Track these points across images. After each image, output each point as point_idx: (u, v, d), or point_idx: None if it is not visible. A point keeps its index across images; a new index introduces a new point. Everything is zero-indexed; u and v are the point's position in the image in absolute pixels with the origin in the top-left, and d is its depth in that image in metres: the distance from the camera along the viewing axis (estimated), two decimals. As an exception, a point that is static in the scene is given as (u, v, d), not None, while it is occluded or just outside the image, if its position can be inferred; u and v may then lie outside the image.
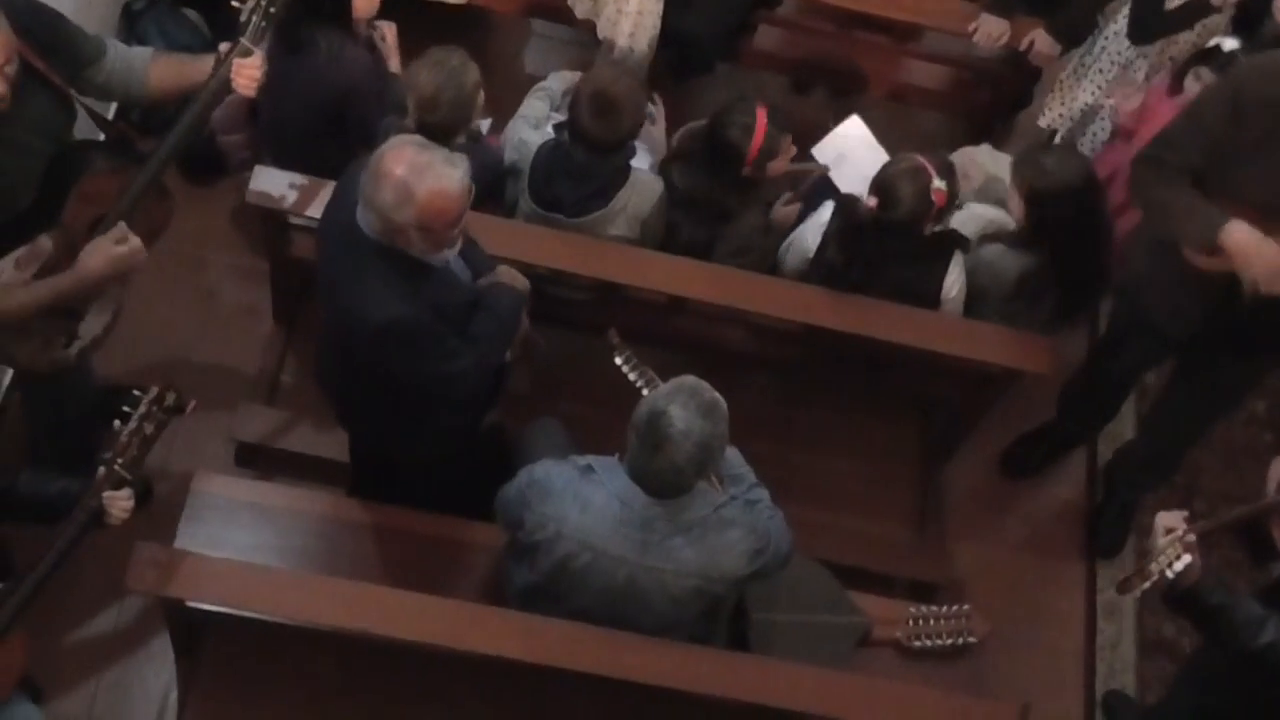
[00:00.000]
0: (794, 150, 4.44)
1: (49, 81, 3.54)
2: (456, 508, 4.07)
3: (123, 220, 3.59)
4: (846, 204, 4.34)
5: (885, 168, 4.25)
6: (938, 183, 4.16)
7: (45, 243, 3.57)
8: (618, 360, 3.84)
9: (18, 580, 3.33)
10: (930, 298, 4.35)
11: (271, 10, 3.69)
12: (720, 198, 4.38)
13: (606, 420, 4.10)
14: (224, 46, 3.70)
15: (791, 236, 4.52)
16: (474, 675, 3.84)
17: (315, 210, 4.09)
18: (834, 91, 5.62)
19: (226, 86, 3.70)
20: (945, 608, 4.06)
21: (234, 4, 3.69)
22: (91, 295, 3.71)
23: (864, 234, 4.28)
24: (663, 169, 4.47)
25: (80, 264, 3.56)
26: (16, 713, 3.48)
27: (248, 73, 3.68)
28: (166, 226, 3.88)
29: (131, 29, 4.95)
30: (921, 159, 4.21)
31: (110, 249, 3.56)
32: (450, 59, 4.08)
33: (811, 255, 4.38)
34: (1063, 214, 4.23)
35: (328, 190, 3.97)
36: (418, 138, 3.49)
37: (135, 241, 3.59)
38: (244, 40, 3.67)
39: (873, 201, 4.19)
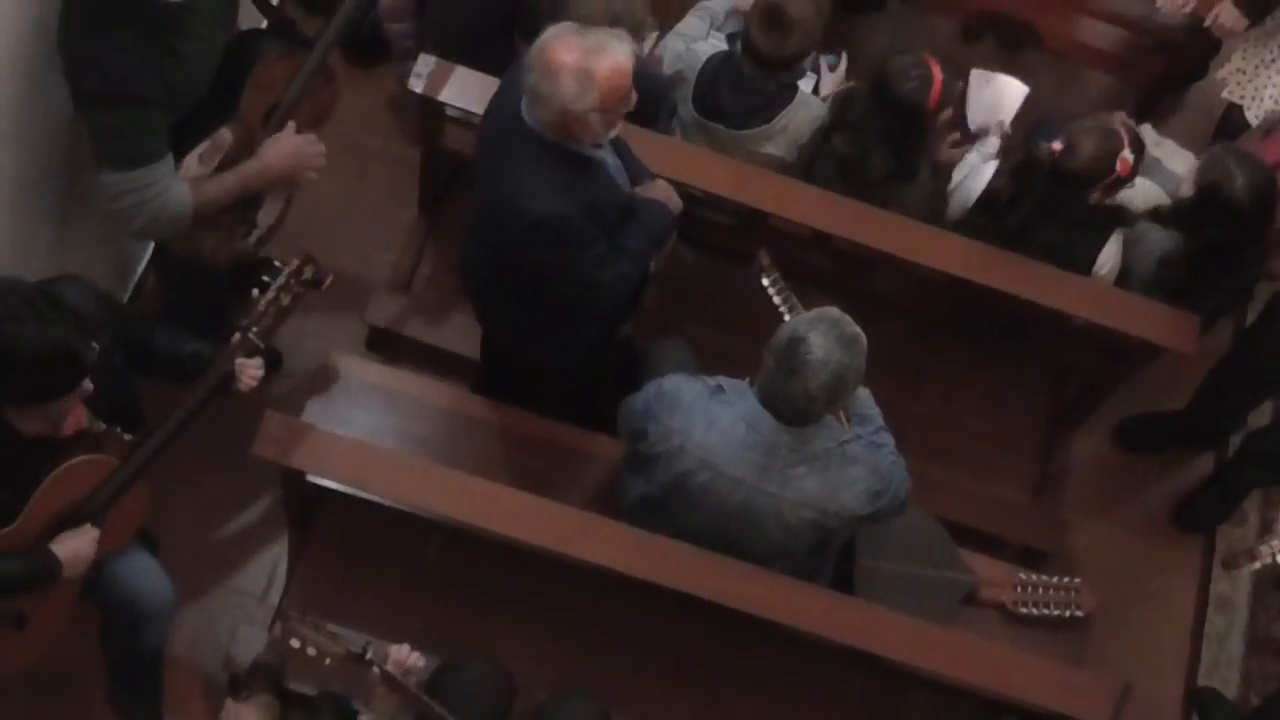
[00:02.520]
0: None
1: None
2: (577, 415, 4.08)
3: (293, 104, 3.62)
4: (1030, 142, 4.23)
5: (1082, 119, 4.15)
6: (1126, 153, 4.05)
7: (225, 135, 3.61)
8: (764, 281, 3.81)
9: (145, 434, 3.39)
10: (1080, 268, 4.24)
11: None
12: (900, 155, 4.27)
13: (734, 347, 4.10)
14: None
15: (957, 180, 4.42)
16: (568, 583, 3.87)
17: (472, 103, 4.08)
18: (1003, 43, 5.47)
19: None
20: (1055, 578, 4.00)
21: None
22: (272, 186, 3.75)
23: (1036, 176, 4.18)
24: (825, 137, 4.38)
25: (259, 157, 3.61)
26: (135, 560, 3.56)
27: None
28: (332, 110, 3.90)
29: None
30: (1120, 124, 4.11)
31: (289, 141, 3.63)
32: None
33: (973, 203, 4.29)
34: (1233, 221, 4.12)
35: (487, 85, 3.97)
36: (573, 24, 3.45)
37: (312, 137, 3.65)
38: None
39: (1057, 145, 4.08)
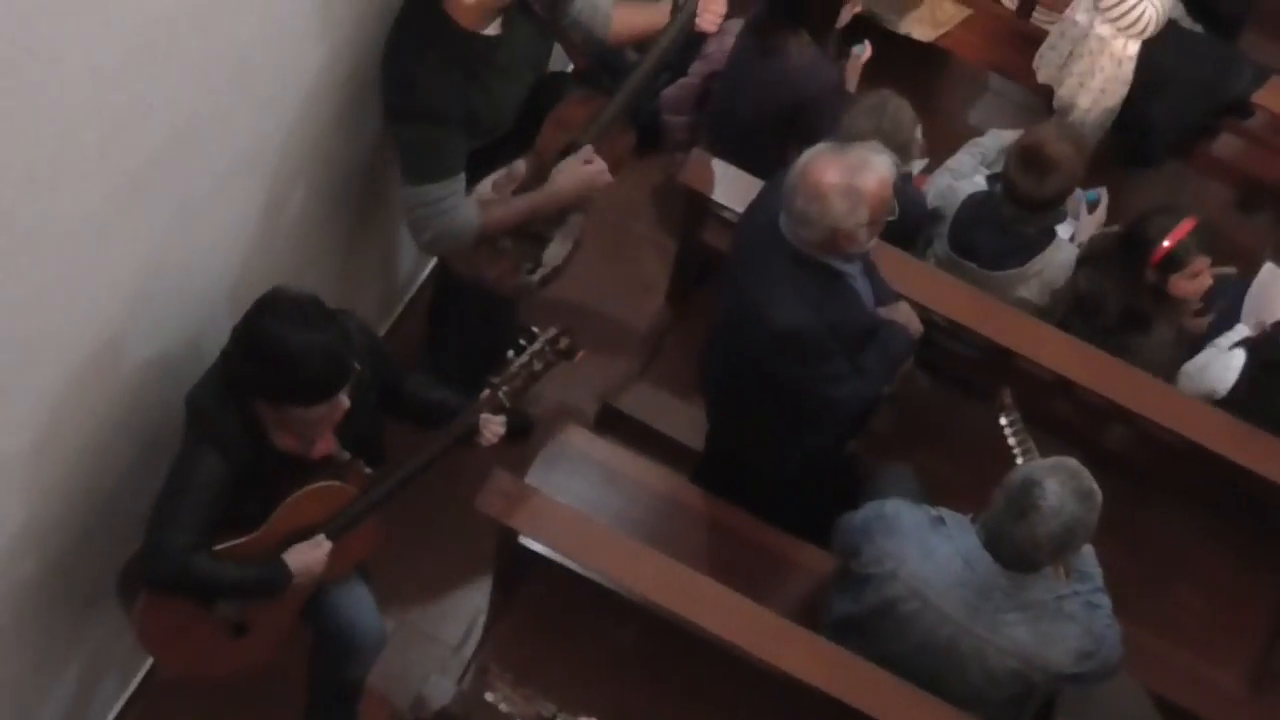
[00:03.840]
0: (1208, 279, 4.22)
1: (532, 13, 3.77)
2: (792, 524, 4.09)
3: (590, 145, 3.80)
4: (1261, 339, 4.14)
5: None
6: None
7: (520, 166, 3.83)
8: (1003, 420, 3.80)
9: (386, 471, 3.54)
10: None
11: None
12: (1129, 300, 4.23)
13: (960, 481, 4.08)
14: None
15: (1196, 363, 4.32)
16: (761, 688, 3.83)
17: (737, 201, 4.19)
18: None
19: (690, 24, 3.86)
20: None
21: None
22: (558, 219, 3.94)
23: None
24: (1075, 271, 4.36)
25: (551, 181, 3.80)
26: (356, 591, 3.71)
27: (714, 9, 3.85)
28: (628, 159, 4.08)
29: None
30: None
31: (579, 168, 3.81)
32: (887, 102, 4.16)
33: (1216, 393, 4.19)
34: None
35: (754, 186, 4.08)
36: (832, 144, 3.55)
37: (600, 164, 3.82)
38: None
39: None
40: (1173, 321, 4.32)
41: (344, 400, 3.23)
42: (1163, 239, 4.09)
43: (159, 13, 2.87)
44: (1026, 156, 4.08)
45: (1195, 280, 4.21)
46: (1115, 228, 4.47)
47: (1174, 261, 4.13)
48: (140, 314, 3.32)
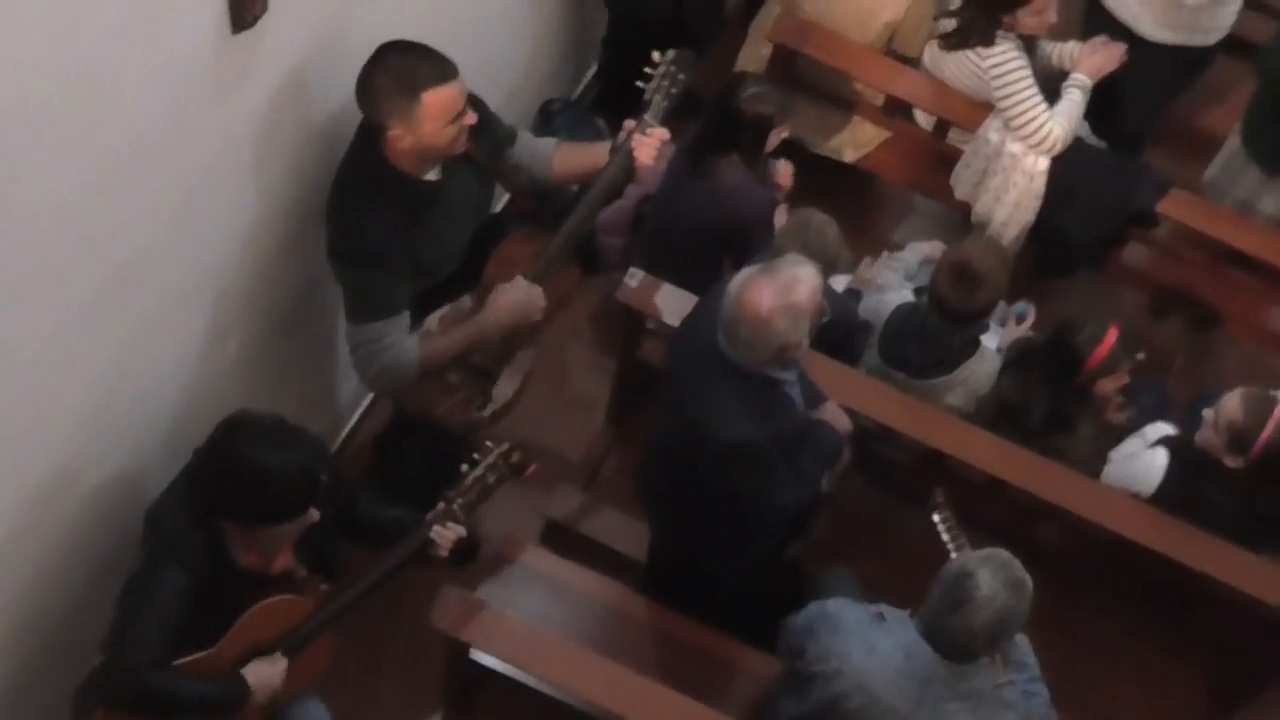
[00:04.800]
0: (1125, 376, 4.43)
1: (473, 159, 3.94)
2: (737, 630, 4.20)
3: (522, 275, 3.94)
4: (1179, 444, 4.36)
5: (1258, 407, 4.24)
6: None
7: (466, 302, 3.98)
8: (936, 518, 3.94)
9: (339, 589, 3.64)
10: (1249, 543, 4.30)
11: (673, 91, 4.00)
12: (1055, 404, 4.43)
13: (899, 583, 4.16)
14: (629, 124, 4.01)
15: (1122, 450, 4.52)
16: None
17: (674, 319, 4.33)
18: (1190, 322, 5.60)
19: (630, 160, 4.00)
20: None
21: (638, 84, 4.00)
22: (506, 356, 4.06)
23: (1206, 478, 4.29)
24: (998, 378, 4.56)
25: (487, 308, 3.93)
26: (312, 710, 3.77)
27: (650, 144, 3.98)
28: (573, 297, 4.23)
29: (545, 126, 5.39)
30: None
31: (515, 292, 3.91)
32: (810, 219, 4.35)
33: (1142, 494, 4.37)
34: None
35: (689, 303, 4.23)
36: (755, 266, 3.69)
37: (536, 290, 3.93)
38: (646, 118, 3.98)
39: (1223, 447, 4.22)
40: (1095, 419, 4.51)
41: (314, 513, 3.35)
42: (1092, 349, 4.29)
43: (127, 135, 3.03)
44: (956, 272, 4.25)
45: (1117, 379, 4.43)
46: (1031, 334, 4.68)
47: (1103, 368, 4.34)
48: (94, 436, 3.43)
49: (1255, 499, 4.31)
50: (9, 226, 2.83)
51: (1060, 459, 4.39)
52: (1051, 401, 4.41)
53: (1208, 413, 4.33)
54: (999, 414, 4.46)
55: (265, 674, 3.49)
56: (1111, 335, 4.31)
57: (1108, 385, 4.40)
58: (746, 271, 3.66)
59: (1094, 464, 4.49)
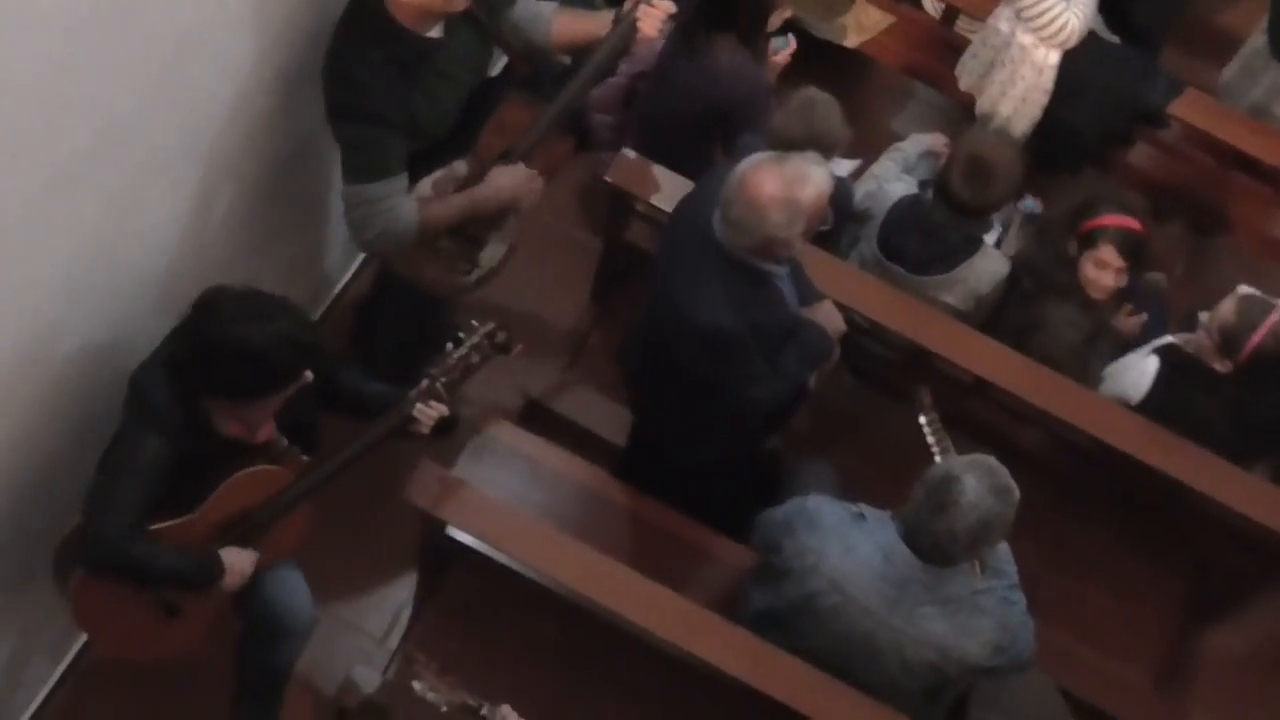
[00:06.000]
0: (1110, 279, 4.46)
1: (474, 18, 3.88)
2: (712, 518, 4.24)
3: (529, 149, 3.92)
4: (1169, 349, 4.39)
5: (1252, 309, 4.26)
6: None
7: (460, 167, 3.94)
8: (922, 419, 3.95)
9: (319, 461, 3.66)
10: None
11: None
12: (1049, 267, 4.47)
13: (879, 480, 4.22)
14: None
15: (1116, 365, 4.54)
16: (679, 679, 3.98)
17: (664, 202, 4.34)
18: (1193, 227, 5.60)
19: (633, 31, 3.96)
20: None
21: None
22: (495, 223, 4.05)
23: (1194, 385, 4.31)
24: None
25: (488, 182, 3.92)
26: (289, 578, 3.81)
27: (656, 15, 3.95)
28: (564, 165, 4.21)
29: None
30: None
31: (516, 171, 3.91)
32: (816, 100, 4.28)
33: (1130, 399, 4.40)
34: None
35: (680, 185, 4.23)
36: (769, 153, 3.67)
37: (537, 176, 3.94)
38: None
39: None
40: (1091, 310, 4.51)
41: (307, 375, 3.36)
42: (1099, 216, 4.31)
43: (89, 6, 2.95)
44: (970, 166, 4.23)
45: (1100, 270, 4.42)
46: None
47: (1089, 239, 4.37)
48: (71, 304, 3.40)
49: (1242, 408, 4.33)
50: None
51: (1040, 335, 4.41)
52: (1046, 264, 4.45)
53: (1203, 315, 4.34)
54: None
55: (237, 561, 3.53)
56: (1125, 220, 4.36)
57: (1089, 267, 4.43)
58: (758, 155, 3.64)
59: (1070, 356, 4.49)
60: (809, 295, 4.02)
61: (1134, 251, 4.44)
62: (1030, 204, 4.80)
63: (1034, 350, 4.44)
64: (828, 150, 4.22)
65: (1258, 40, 5.32)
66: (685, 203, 3.98)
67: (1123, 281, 4.46)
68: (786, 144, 4.03)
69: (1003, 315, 4.52)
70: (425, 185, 3.91)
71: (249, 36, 3.60)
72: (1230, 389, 4.31)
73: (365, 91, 3.70)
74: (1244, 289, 4.37)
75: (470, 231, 4.04)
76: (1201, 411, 4.32)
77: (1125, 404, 4.40)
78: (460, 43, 3.87)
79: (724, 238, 3.63)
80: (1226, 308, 4.27)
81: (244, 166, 3.89)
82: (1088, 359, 4.50)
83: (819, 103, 4.29)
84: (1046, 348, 4.44)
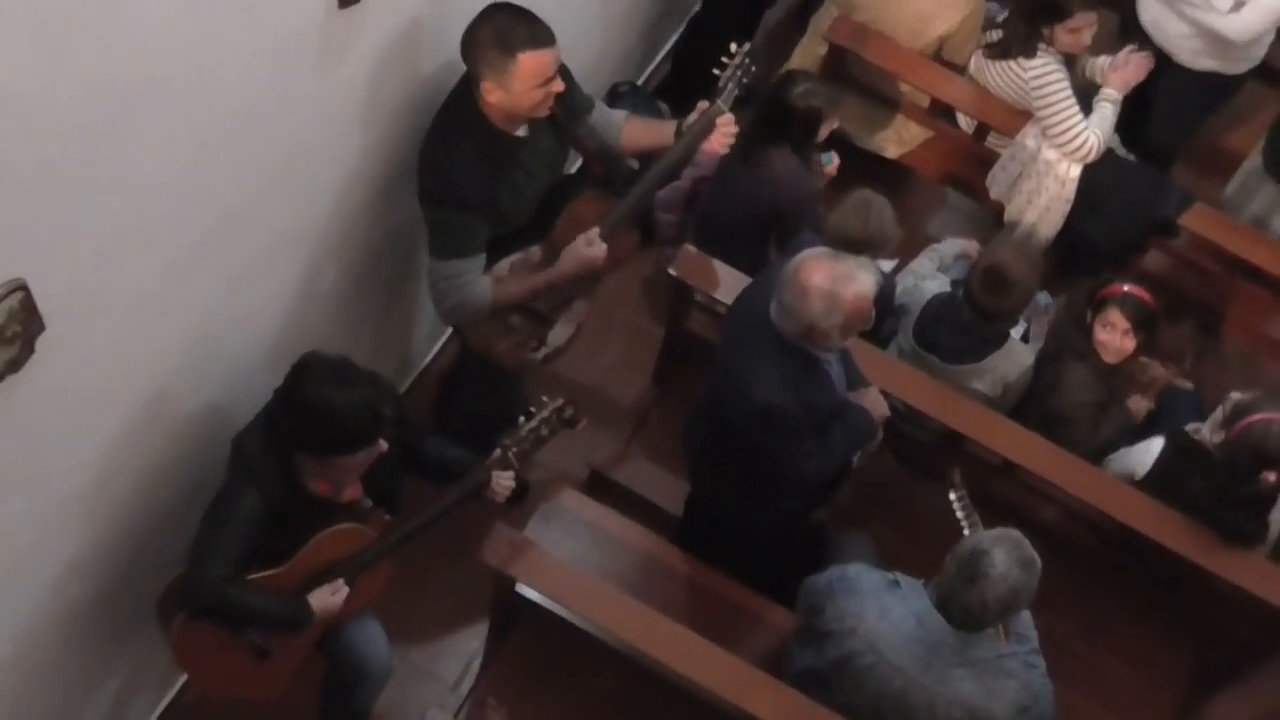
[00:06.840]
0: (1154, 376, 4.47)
1: (555, 121, 3.94)
2: (760, 583, 4.21)
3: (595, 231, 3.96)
4: (1175, 432, 4.34)
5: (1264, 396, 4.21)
6: None
7: (536, 251, 3.99)
8: (951, 496, 3.92)
9: (401, 521, 3.67)
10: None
11: (744, 81, 3.98)
12: (1071, 334, 4.46)
13: (912, 552, 4.20)
14: (702, 104, 4.00)
15: (1124, 451, 4.48)
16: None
17: (720, 294, 4.37)
18: (1201, 327, 5.54)
19: (699, 140, 4.00)
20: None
21: (714, 71, 3.98)
22: (564, 304, 4.09)
23: (1191, 466, 4.25)
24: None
25: (558, 262, 3.96)
26: (369, 627, 3.82)
27: (726, 129, 3.99)
28: (630, 258, 4.24)
29: (612, 105, 5.35)
30: None
31: (582, 249, 3.93)
32: (872, 201, 4.30)
33: (1135, 475, 4.35)
34: None
35: (736, 279, 4.24)
36: (827, 249, 3.68)
37: (601, 246, 3.95)
38: (719, 102, 3.97)
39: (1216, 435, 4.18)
40: (1105, 378, 4.48)
41: (382, 444, 3.38)
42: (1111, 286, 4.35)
43: (238, 103, 3.04)
44: (989, 277, 4.22)
45: (1108, 332, 4.39)
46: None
47: (1100, 305, 4.39)
48: (189, 371, 3.46)
49: (1230, 490, 4.25)
50: (129, 183, 2.84)
51: (1057, 397, 4.41)
52: (1070, 330, 4.46)
53: (1235, 394, 4.29)
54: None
55: (326, 600, 3.54)
56: (1138, 291, 4.36)
57: (1101, 333, 4.41)
58: (818, 249, 3.66)
59: (1081, 419, 4.47)
60: (857, 380, 4.01)
61: (1141, 319, 4.39)
62: (1045, 298, 4.79)
63: (1050, 406, 4.43)
64: (882, 247, 4.23)
65: (1255, 159, 5.32)
66: (747, 291, 4.00)
67: (1130, 346, 4.42)
68: (844, 240, 4.08)
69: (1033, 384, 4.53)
70: (503, 265, 3.94)
71: (356, 133, 3.67)
72: (1221, 474, 4.24)
73: (454, 179, 3.75)
74: (1235, 394, 4.32)
75: (540, 311, 4.07)
76: (1194, 490, 4.26)
77: (1130, 478, 4.36)
78: (542, 142, 3.92)
79: (777, 320, 3.63)
80: (1248, 394, 4.25)
81: (345, 250, 3.95)
82: (1098, 422, 4.48)
83: (874, 204, 4.30)
84: (1060, 405, 4.43)
